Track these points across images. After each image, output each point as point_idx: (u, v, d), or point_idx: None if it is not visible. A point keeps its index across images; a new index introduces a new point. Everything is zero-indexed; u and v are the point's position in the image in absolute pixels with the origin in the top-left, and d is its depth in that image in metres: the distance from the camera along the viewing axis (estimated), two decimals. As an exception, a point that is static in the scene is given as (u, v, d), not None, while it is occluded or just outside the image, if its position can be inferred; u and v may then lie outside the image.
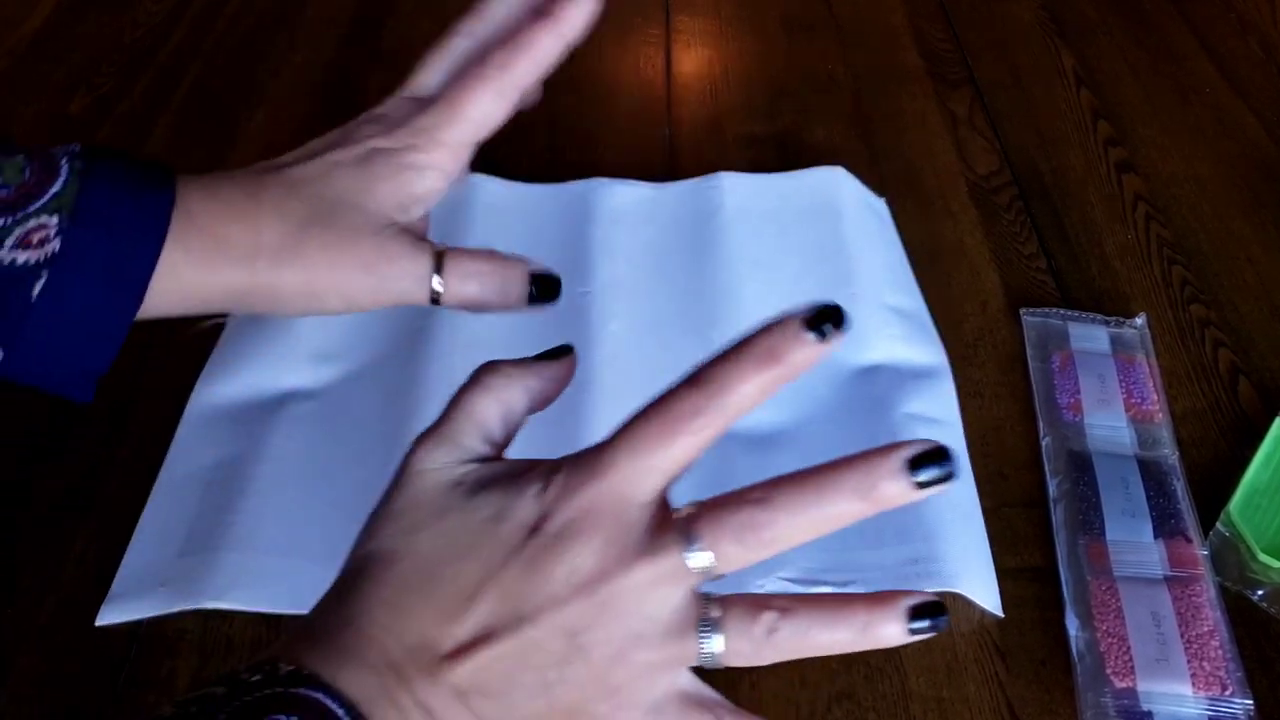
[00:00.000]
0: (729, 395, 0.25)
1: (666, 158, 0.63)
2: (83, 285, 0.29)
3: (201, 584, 0.40)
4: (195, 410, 0.47)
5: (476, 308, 0.34)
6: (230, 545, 0.41)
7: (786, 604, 0.26)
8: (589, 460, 0.26)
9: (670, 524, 0.25)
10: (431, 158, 0.34)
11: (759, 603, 0.26)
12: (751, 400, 0.25)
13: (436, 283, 0.33)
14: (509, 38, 0.34)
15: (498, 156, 0.62)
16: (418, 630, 0.24)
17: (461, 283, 0.33)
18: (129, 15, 0.72)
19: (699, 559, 0.25)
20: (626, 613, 0.24)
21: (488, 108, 0.34)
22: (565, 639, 0.24)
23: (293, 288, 0.32)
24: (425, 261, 0.33)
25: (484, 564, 0.24)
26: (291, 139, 0.62)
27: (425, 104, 0.35)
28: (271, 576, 0.41)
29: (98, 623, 0.40)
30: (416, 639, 0.24)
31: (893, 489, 0.24)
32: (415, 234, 0.34)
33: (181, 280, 0.31)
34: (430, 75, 0.36)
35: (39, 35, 0.70)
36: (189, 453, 0.45)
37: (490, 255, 0.34)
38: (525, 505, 0.25)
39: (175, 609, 0.40)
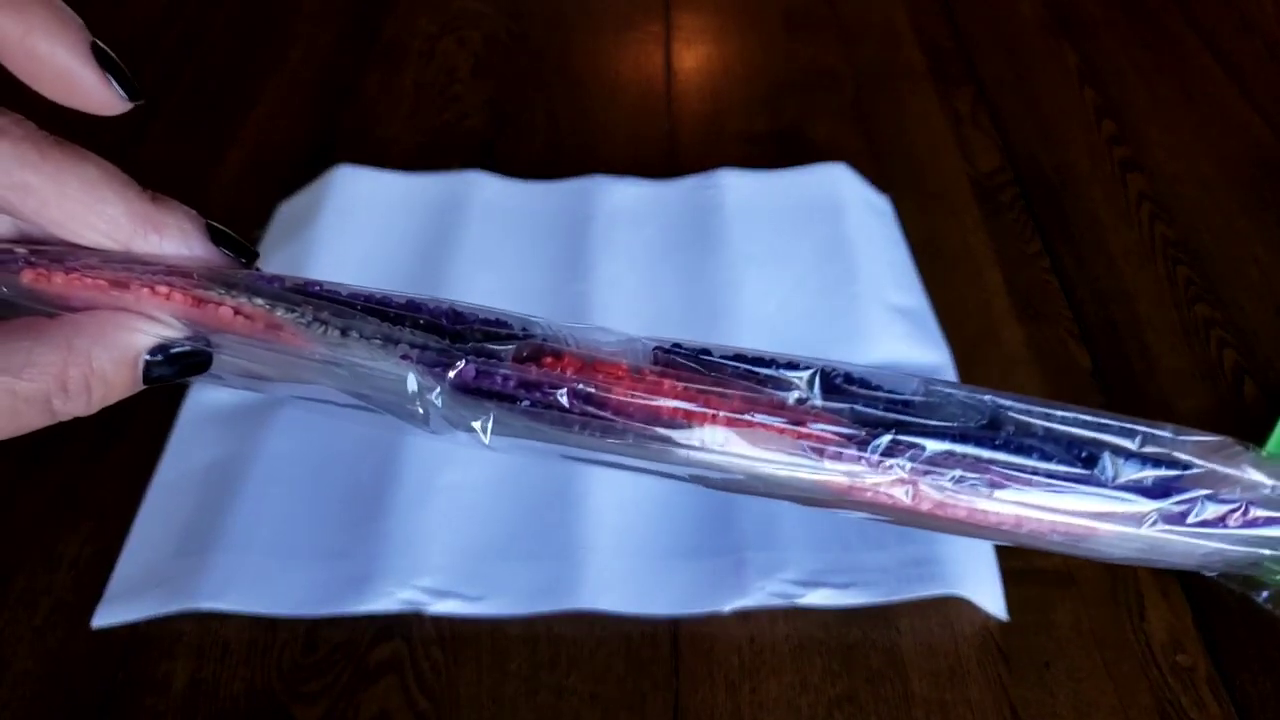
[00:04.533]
0: None
1: (667, 155, 0.62)
2: None
3: (197, 585, 0.40)
4: (190, 411, 0.46)
5: None
6: (225, 546, 0.41)
7: None
8: None
9: None
10: None
11: None
12: None
13: None
14: None
15: (498, 153, 0.62)
16: None
17: None
18: (124, 12, 0.72)
19: None
20: None
21: None
22: None
23: None
24: None
25: None
26: (288, 137, 0.63)
27: None
28: (266, 578, 0.40)
29: (94, 624, 0.40)
30: None
31: None
32: None
33: None
34: None
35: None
36: (184, 454, 0.45)
37: None
38: None
39: (171, 610, 0.40)
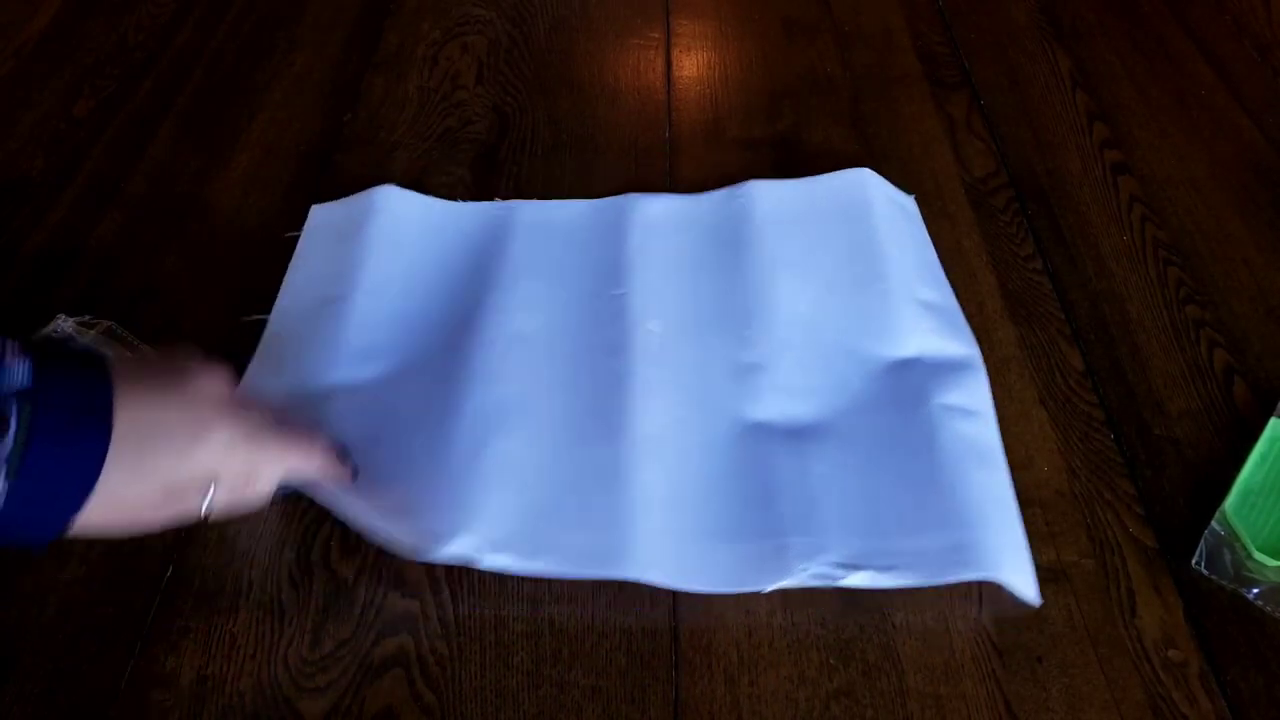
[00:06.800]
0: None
1: (666, 160, 0.63)
2: (15, 526, 0.32)
3: None
4: (248, 385, 0.47)
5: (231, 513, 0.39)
6: None
7: None
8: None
9: None
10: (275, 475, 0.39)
11: None
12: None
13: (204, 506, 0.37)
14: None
15: (500, 158, 0.62)
16: None
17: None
18: (132, 18, 0.73)
19: None
20: None
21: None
22: None
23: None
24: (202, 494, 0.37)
25: None
26: (294, 140, 0.63)
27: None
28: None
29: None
30: None
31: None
32: None
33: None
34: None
35: (43, 38, 0.71)
36: None
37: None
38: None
39: None
